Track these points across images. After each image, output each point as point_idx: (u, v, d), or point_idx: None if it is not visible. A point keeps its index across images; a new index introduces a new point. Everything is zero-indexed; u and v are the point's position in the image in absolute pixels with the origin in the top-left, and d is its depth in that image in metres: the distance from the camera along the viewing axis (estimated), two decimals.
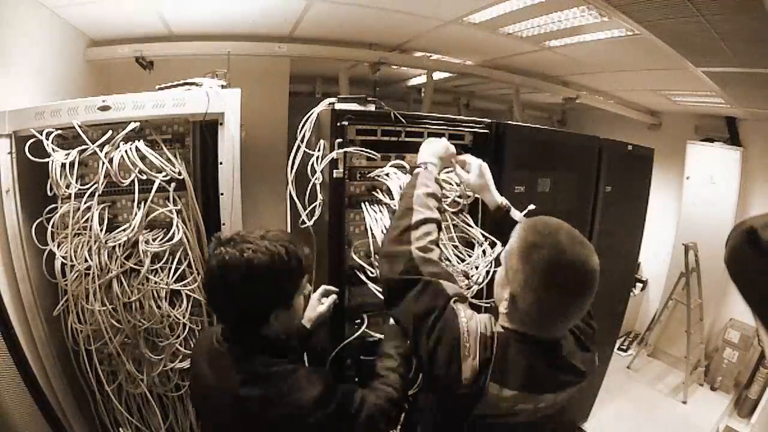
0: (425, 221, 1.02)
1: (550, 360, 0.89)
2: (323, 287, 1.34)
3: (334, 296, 1.33)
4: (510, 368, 0.85)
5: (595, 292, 0.83)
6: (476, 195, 1.37)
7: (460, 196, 1.46)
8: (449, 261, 1.42)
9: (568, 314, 0.84)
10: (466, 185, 1.33)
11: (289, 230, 1.47)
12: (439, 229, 1.07)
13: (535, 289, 0.81)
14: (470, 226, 1.53)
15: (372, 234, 1.39)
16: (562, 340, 0.91)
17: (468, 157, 1.31)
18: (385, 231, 1.32)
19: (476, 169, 1.27)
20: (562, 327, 0.89)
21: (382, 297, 1.07)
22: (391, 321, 1.18)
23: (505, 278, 0.89)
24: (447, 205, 1.42)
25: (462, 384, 0.83)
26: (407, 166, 1.49)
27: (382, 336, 1.27)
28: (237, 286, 0.90)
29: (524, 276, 0.83)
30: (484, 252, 1.47)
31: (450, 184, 1.47)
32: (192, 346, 1.14)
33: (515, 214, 1.23)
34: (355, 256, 1.47)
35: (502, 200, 1.25)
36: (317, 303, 1.29)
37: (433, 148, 1.23)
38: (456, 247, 1.50)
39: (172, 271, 1.41)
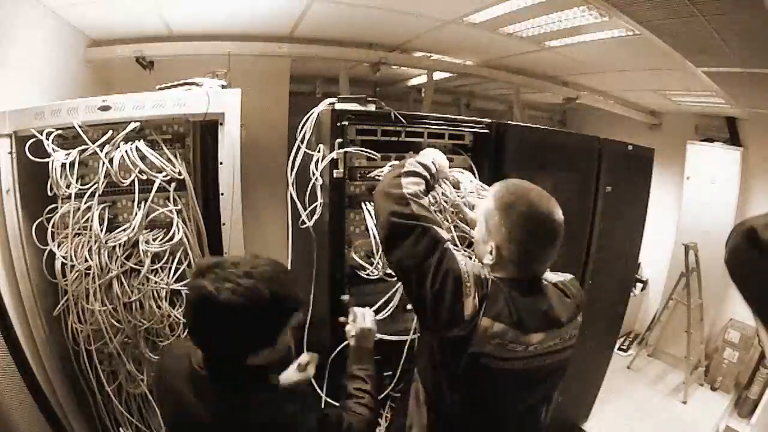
0: (415, 173, 1.11)
1: (535, 297, 1.00)
2: (304, 356, 1.28)
3: (313, 367, 1.28)
4: (500, 305, 0.95)
5: (561, 237, 0.99)
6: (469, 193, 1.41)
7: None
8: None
9: (544, 257, 1.00)
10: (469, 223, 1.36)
11: (289, 232, 1.47)
12: (428, 186, 1.14)
13: (516, 238, 0.97)
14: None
15: (373, 235, 1.39)
16: (543, 283, 1.04)
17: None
18: None
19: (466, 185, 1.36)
20: (540, 266, 1.02)
21: (379, 242, 1.14)
22: (352, 332, 1.23)
23: (486, 234, 1.02)
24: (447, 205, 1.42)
25: (464, 320, 0.93)
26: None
27: (382, 335, 1.28)
28: (213, 326, 0.84)
29: (506, 229, 0.97)
30: None
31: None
32: (161, 360, 1.07)
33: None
34: (355, 256, 1.47)
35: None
36: (294, 372, 1.23)
37: (431, 158, 1.23)
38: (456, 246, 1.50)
39: (172, 271, 1.41)
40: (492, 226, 1.00)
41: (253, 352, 0.89)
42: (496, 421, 1.06)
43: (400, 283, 1.43)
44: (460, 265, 0.97)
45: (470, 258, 1.10)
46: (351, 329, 1.24)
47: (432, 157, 1.23)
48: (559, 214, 0.99)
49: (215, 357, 0.91)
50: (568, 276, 1.16)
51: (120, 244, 1.36)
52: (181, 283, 1.42)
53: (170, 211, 1.42)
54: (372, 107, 1.55)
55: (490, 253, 1.00)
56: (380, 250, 1.35)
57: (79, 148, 1.35)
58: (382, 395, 1.48)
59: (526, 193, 1.00)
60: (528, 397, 1.06)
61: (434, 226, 1.01)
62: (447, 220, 1.46)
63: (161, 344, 1.43)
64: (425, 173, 1.14)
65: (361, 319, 1.26)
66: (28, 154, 1.33)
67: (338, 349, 1.41)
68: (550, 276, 1.12)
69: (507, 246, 0.98)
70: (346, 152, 1.41)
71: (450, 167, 1.55)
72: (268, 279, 0.85)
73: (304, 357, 1.28)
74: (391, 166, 1.26)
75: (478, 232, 1.07)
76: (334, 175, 1.43)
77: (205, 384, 0.90)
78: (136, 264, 1.38)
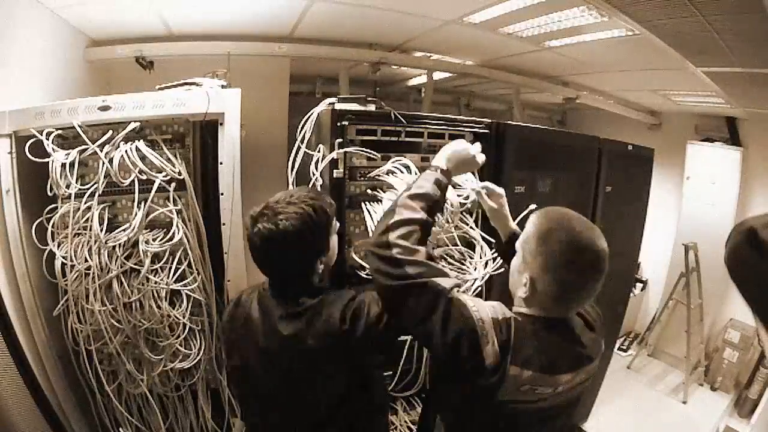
0: (405, 222, 0.97)
1: (564, 337, 0.93)
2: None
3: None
4: (528, 350, 0.88)
5: (606, 271, 0.89)
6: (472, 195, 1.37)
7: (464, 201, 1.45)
8: (451, 258, 1.42)
9: (584, 293, 0.90)
10: (487, 210, 1.30)
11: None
12: (425, 229, 1.00)
13: (553, 270, 0.88)
14: (471, 227, 1.53)
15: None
16: (572, 319, 0.96)
17: (495, 188, 1.29)
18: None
19: (499, 198, 1.27)
20: (577, 306, 0.94)
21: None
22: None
23: (523, 264, 0.94)
24: (450, 206, 1.42)
25: (486, 370, 0.86)
26: (410, 164, 1.49)
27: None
28: (280, 254, 1.01)
29: (543, 259, 0.89)
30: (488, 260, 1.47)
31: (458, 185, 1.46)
32: (232, 309, 1.18)
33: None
34: (355, 256, 1.47)
35: (516, 229, 1.26)
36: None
37: (448, 153, 1.13)
38: (456, 246, 1.50)
39: (172, 271, 1.41)
40: (528, 254, 0.93)
41: (316, 261, 1.06)
42: None
43: None
44: (472, 313, 0.88)
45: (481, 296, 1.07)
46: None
47: (462, 153, 1.13)
48: (603, 245, 0.89)
49: (282, 281, 1.07)
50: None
51: (120, 244, 1.36)
52: (182, 283, 1.42)
53: (170, 211, 1.41)
54: (372, 107, 1.55)
55: (525, 285, 0.92)
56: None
57: (79, 148, 1.35)
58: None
59: (567, 221, 0.92)
60: (550, 429, 1.03)
61: (433, 278, 0.91)
62: (448, 222, 1.47)
63: (161, 344, 1.43)
64: (420, 213, 1.00)
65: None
66: (28, 154, 1.33)
67: None
68: None
69: (543, 277, 0.89)
70: (346, 152, 1.41)
71: None
72: (307, 200, 1.02)
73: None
74: (384, 213, 1.10)
75: (514, 261, 0.99)
76: (334, 175, 1.43)
77: (269, 301, 1.06)
78: (136, 264, 1.38)
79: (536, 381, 0.88)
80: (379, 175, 1.48)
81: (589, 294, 0.91)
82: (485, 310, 0.90)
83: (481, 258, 1.50)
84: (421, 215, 1.00)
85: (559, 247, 0.88)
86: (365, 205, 1.46)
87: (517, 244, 0.98)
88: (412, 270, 0.91)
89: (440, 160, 1.11)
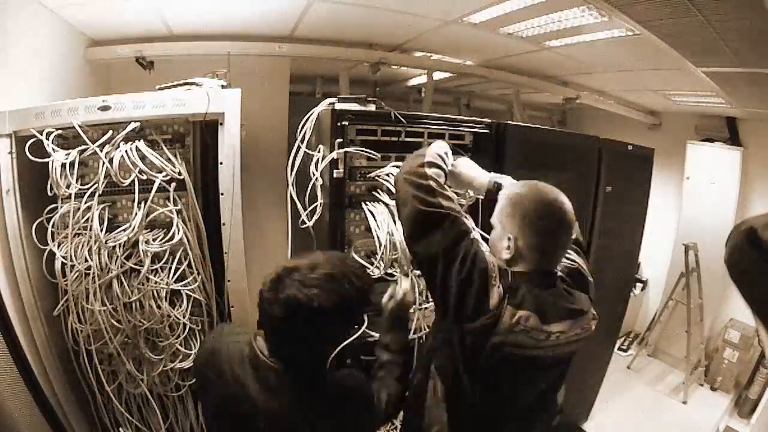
0: (437, 165, 1.10)
1: (551, 291, 1.03)
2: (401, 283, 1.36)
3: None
4: (521, 294, 0.98)
5: (573, 224, 1.03)
6: (471, 192, 1.39)
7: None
8: None
9: (559, 242, 1.03)
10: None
11: (289, 232, 1.47)
12: (445, 179, 1.13)
13: (531, 224, 0.99)
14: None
15: (376, 235, 1.39)
16: (556, 276, 1.07)
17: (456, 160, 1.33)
18: (386, 230, 1.34)
19: (462, 165, 1.29)
20: (555, 256, 1.05)
21: (403, 233, 1.13)
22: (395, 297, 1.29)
23: (502, 230, 1.04)
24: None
25: (489, 310, 0.95)
26: None
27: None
28: (304, 329, 0.87)
29: (519, 219, 1.01)
30: None
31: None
32: (212, 344, 1.07)
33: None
34: (355, 256, 1.47)
35: (490, 181, 1.24)
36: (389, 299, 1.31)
37: (435, 148, 1.21)
38: None
39: (172, 271, 1.41)
40: (506, 219, 1.04)
41: (335, 345, 1.00)
42: (514, 409, 1.09)
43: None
44: (486, 255, 1.00)
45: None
46: (390, 297, 1.29)
47: (444, 149, 1.22)
48: (567, 202, 1.02)
49: (296, 354, 0.92)
50: (574, 263, 1.17)
51: (120, 244, 1.36)
52: (182, 283, 1.42)
53: (170, 211, 1.41)
54: (372, 107, 1.55)
55: (507, 248, 1.02)
56: (404, 239, 1.26)
57: (79, 148, 1.35)
58: None
59: (533, 185, 1.05)
60: (542, 384, 1.09)
61: (461, 216, 1.03)
62: None
63: (161, 344, 1.43)
64: (444, 166, 1.15)
65: (398, 287, 1.30)
66: (28, 154, 1.33)
67: (338, 350, 1.41)
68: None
69: (523, 234, 1.00)
70: (346, 152, 1.41)
71: None
72: (346, 277, 0.90)
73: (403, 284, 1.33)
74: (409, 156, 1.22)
75: (493, 233, 1.09)
76: (334, 175, 1.43)
77: (274, 374, 0.91)
78: (136, 264, 1.38)
79: (528, 322, 0.96)
80: (379, 176, 1.48)
81: (563, 244, 1.04)
82: (491, 256, 1.01)
83: None
84: (445, 167, 1.13)
85: (532, 205, 1.00)
86: (365, 205, 1.46)
87: (493, 219, 1.08)
88: (446, 203, 1.03)
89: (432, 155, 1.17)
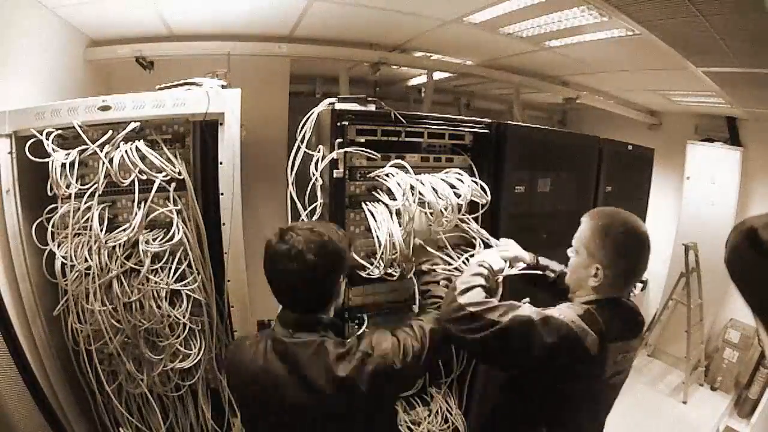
0: (468, 288, 1.11)
1: (627, 309, 1.12)
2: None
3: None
4: (613, 327, 1.04)
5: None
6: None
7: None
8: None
9: (643, 268, 1.10)
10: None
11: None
12: (486, 288, 1.14)
13: (623, 255, 1.06)
14: (472, 228, 1.53)
15: (377, 237, 1.38)
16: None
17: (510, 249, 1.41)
18: (386, 230, 1.35)
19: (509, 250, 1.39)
20: (636, 281, 1.13)
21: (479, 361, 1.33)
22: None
23: (588, 258, 1.09)
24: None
25: (592, 356, 1.00)
26: (407, 166, 1.49)
27: None
28: (315, 264, 0.99)
29: (608, 249, 1.06)
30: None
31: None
32: (233, 355, 1.15)
33: (547, 265, 1.40)
34: (355, 256, 1.47)
35: (532, 259, 1.39)
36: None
37: (468, 270, 1.24)
38: (457, 245, 1.50)
39: (172, 271, 1.41)
40: (594, 248, 1.08)
41: (333, 295, 1.08)
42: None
43: (399, 282, 1.45)
44: (561, 320, 1.01)
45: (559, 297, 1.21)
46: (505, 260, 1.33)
47: (481, 262, 1.24)
48: (646, 229, 1.09)
49: (302, 315, 1.05)
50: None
51: (120, 244, 1.36)
52: (182, 283, 1.42)
53: (170, 211, 1.41)
54: (372, 107, 1.54)
55: (595, 275, 1.07)
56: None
57: (79, 148, 1.35)
58: None
59: (617, 214, 1.11)
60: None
61: (510, 312, 1.03)
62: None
63: (161, 344, 1.43)
64: (481, 277, 1.16)
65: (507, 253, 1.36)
66: (28, 154, 1.33)
67: None
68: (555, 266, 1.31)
69: (615, 262, 1.06)
70: (346, 152, 1.41)
71: (450, 167, 1.56)
72: (331, 229, 1.07)
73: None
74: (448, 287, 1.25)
75: (575, 261, 1.14)
76: (334, 175, 1.43)
77: (288, 346, 1.02)
78: (136, 264, 1.37)
79: (622, 350, 1.05)
80: (379, 176, 1.48)
81: (644, 269, 1.10)
82: (567, 312, 1.04)
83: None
84: (479, 281, 1.14)
85: (620, 237, 1.06)
86: (365, 205, 1.46)
87: (574, 246, 1.14)
88: (494, 315, 1.02)
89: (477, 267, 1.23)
